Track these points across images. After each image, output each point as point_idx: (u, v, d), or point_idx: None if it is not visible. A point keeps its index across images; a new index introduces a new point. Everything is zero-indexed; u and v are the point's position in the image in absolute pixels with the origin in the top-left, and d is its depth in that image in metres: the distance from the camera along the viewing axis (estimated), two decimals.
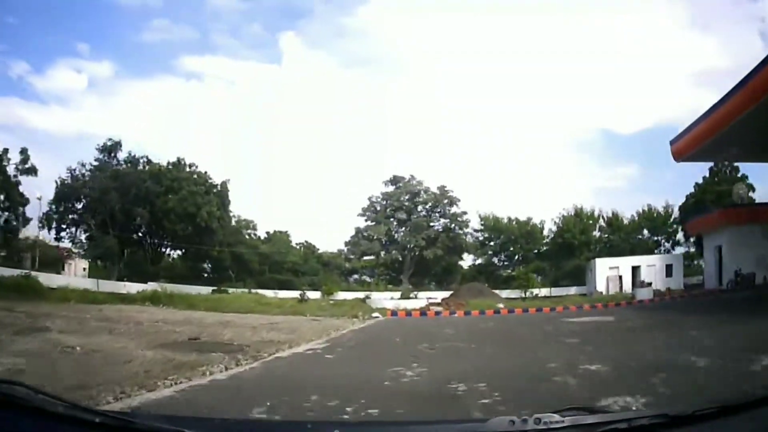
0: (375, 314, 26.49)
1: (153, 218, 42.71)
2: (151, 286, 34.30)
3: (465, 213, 49.86)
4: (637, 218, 52.34)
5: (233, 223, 51.65)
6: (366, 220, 49.58)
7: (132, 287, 35.36)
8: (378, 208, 49.43)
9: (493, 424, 1.67)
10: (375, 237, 47.74)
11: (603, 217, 52.81)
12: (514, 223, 52.15)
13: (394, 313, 27.91)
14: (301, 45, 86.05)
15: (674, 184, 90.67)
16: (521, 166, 77.04)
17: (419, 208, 49.69)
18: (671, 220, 51.44)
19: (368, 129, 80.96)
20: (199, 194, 43.08)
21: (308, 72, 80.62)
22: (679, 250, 49.83)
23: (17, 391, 1.56)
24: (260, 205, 75.02)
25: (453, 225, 49.29)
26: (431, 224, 48.95)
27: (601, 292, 39.30)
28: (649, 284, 32.98)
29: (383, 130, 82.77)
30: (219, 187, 46.49)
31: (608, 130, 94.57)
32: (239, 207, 68.80)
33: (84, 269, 48.57)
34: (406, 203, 48.95)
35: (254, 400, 6.39)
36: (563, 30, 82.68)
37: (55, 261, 43.41)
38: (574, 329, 16.00)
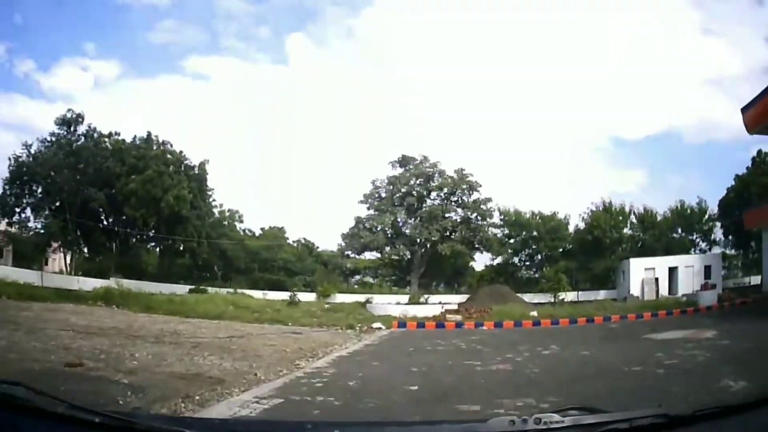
0: (377, 324, 21.19)
1: (112, 202, 36.32)
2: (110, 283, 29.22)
3: (489, 200, 41.77)
4: (670, 215, 47.29)
5: (216, 213, 45.27)
6: (368, 209, 41.54)
7: (88, 283, 30.33)
8: (383, 194, 41.38)
9: (493, 423, 1.64)
10: (378, 228, 40.08)
11: (634, 212, 47.67)
12: (537, 218, 46.27)
13: (401, 323, 22.50)
14: (306, 41, 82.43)
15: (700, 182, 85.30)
16: (541, 162, 72.21)
17: (433, 194, 41.68)
18: (706, 216, 46.38)
19: (378, 128, 76.20)
20: (168, 175, 36.44)
21: (315, 67, 77.67)
22: (716, 249, 44.88)
23: (17, 391, 1.55)
24: (260, 201, 70.49)
25: (474, 215, 41.02)
26: (447, 214, 40.82)
27: (637, 297, 34.82)
28: (714, 286, 27.40)
29: (393, 129, 78.14)
30: (196, 169, 39.93)
31: (627, 129, 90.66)
32: (239, 202, 64.98)
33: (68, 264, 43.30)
34: (417, 188, 41.03)
35: None
36: (582, 30, 77.45)
37: (35, 254, 38.34)
38: (725, 363, 9.86)
